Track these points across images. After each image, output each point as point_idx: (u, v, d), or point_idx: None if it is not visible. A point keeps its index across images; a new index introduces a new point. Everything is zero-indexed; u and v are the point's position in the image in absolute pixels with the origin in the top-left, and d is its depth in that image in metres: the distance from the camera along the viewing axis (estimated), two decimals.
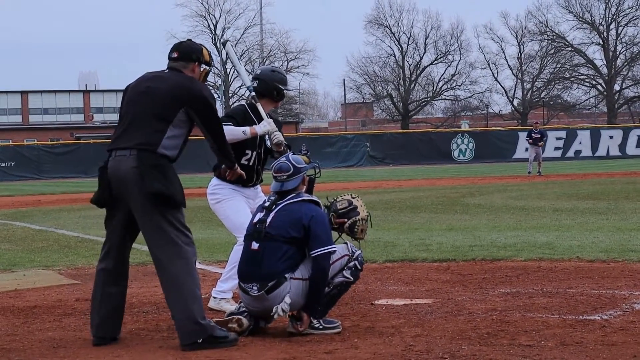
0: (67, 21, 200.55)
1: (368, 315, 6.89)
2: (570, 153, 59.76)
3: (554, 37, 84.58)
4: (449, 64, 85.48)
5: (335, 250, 6.28)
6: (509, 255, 10.22)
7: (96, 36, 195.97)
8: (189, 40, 6.45)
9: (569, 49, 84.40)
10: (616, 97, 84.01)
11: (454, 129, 76.03)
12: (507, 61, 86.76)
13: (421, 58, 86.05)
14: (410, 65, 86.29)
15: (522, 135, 58.92)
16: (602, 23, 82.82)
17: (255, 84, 7.39)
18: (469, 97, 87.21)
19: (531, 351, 5.50)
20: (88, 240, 13.66)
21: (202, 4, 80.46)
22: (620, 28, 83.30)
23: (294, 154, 6.83)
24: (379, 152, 60.27)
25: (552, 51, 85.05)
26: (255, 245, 6.27)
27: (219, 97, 71.59)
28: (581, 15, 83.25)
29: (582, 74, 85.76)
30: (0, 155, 54.63)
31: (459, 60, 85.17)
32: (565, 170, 38.86)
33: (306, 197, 6.40)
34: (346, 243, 6.52)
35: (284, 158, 6.51)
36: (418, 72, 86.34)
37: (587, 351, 5.48)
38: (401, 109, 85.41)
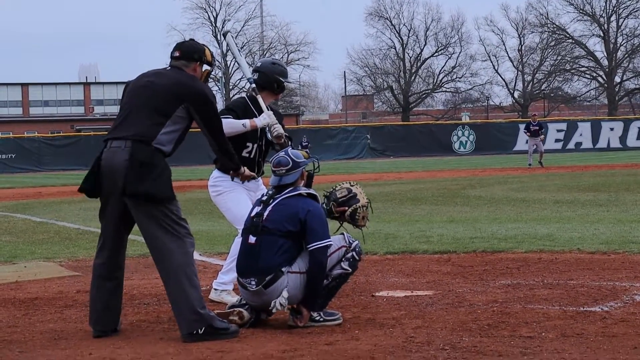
0: (68, 13, 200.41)
1: (369, 307, 6.89)
2: (571, 145, 59.78)
3: (555, 29, 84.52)
4: (449, 56, 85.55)
5: (331, 244, 6.28)
6: (510, 247, 10.22)
7: (96, 28, 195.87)
8: (192, 40, 6.47)
9: (570, 41, 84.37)
10: (617, 89, 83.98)
11: (454, 121, 76.05)
12: (507, 53, 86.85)
13: (422, 50, 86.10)
14: (410, 58, 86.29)
15: (523, 128, 59.00)
16: (603, 15, 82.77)
17: (255, 77, 7.38)
18: (470, 89, 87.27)
19: (532, 342, 5.51)
20: (89, 232, 13.66)
21: None
22: (621, 20, 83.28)
23: (293, 148, 6.85)
24: (380, 144, 60.27)
25: (553, 43, 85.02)
26: (252, 239, 6.27)
27: (219, 90, 71.56)
28: (582, 7, 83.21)
29: (583, 66, 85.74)
30: (1, 148, 54.66)
31: (460, 53, 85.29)
32: (566, 162, 38.87)
33: (303, 190, 6.40)
34: (343, 234, 6.51)
35: (283, 152, 6.51)
36: (418, 64, 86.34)
37: (587, 342, 5.49)
38: (402, 101, 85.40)
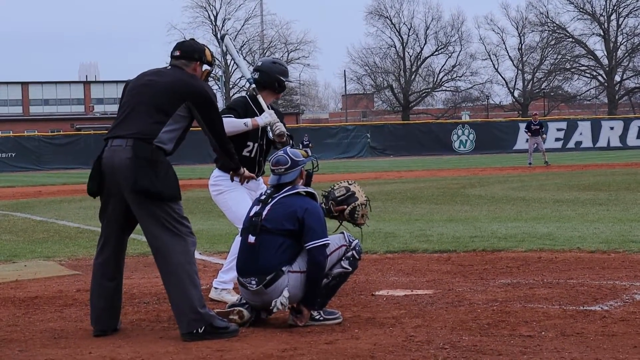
0: (68, 12, 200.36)
1: (369, 306, 6.89)
2: (571, 144, 59.79)
3: (555, 28, 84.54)
4: (449, 55, 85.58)
5: (329, 243, 6.27)
6: (510, 246, 10.22)
7: (97, 27, 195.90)
8: (192, 39, 6.47)
9: (570, 39, 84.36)
10: (617, 88, 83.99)
11: (454, 120, 76.09)
12: (507, 52, 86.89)
13: (422, 49, 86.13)
14: (410, 56, 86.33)
15: (523, 126, 58.83)
16: (603, 14, 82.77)
17: (256, 76, 7.37)
18: (470, 88, 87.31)
19: (532, 342, 5.51)
20: (89, 231, 13.66)
21: None
22: (621, 19, 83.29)
23: (292, 146, 6.86)
24: (380, 143, 60.30)
25: (553, 42, 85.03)
26: (251, 239, 6.27)
27: (219, 89, 71.55)
28: (582, 6, 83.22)
29: (583, 65, 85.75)
30: (1, 146, 54.70)
31: (460, 51, 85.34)
32: (566, 161, 38.86)
33: (302, 189, 6.40)
34: (342, 233, 6.51)
35: (282, 151, 6.51)
36: (419, 63, 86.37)
37: (587, 342, 5.49)
38: (402, 100, 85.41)
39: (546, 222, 12.82)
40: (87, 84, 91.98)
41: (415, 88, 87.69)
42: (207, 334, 5.82)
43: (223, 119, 6.42)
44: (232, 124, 6.97)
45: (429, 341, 5.58)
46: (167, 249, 5.91)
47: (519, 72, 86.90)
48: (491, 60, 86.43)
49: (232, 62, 77.15)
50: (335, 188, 6.85)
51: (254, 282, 6.18)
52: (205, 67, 6.28)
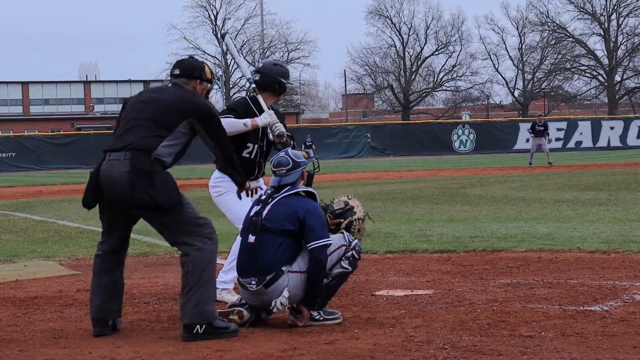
0: (68, 12, 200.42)
1: (369, 306, 6.90)
2: (571, 144, 59.78)
3: (555, 27, 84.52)
4: (449, 54, 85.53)
5: (331, 243, 6.28)
6: (510, 246, 10.22)
7: (97, 27, 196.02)
8: (191, 57, 6.53)
9: (570, 39, 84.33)
10: (617, 88, 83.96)
11: (454, 119, 76.06)
12: (507, 52, 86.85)
13: (422, 49, 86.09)
14: (411, 56, 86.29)
15: (523, 126, 58.93)
16: (603, 14, 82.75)
17: (256, 77, 7.38)
18: (470, 87, 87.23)
19: (531, 342, 5.51)
20: (89, 231, 13.66)
21: None
22: (621, 19, 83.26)
23: (293, 147, 6.87)
24: (380, 143, 60.29)
25: (553, 42, 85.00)
26: (251, 239, 6.28)
27: (219, 88, 71.53)
28: (582, 6, 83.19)
29: (583, 65, 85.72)
30: (1, 146, 54.69)
31: (460, 51, 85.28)
32: (566, 161, 38.86)
33: (302, 189, 6.41)
34: (342, 232, 6.52)
35: (283, 152, 6.52)
36: (419, 62, 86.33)
37: (587, 342, 5.49)
38: (402, 100, 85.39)
39: (546, 222, 12.82)
40: (87, 83, 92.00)
41: (415, 88, 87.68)
42: (207, 334, 5.83)
43: (222, 119, 6.44)
44: (232, 124, 6.97)
45: (429, 341, 5.58)
46: (186, 248, 5.94)
47: (519, 71, 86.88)
48: (491, 60, 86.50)
49: (232, 61, 77.18)
50: (334, 201, 6.86)
51: (253, 282, 6.18)
52: (205, 84, 6.32)
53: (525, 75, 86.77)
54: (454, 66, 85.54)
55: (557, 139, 58.82)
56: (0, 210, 19.13)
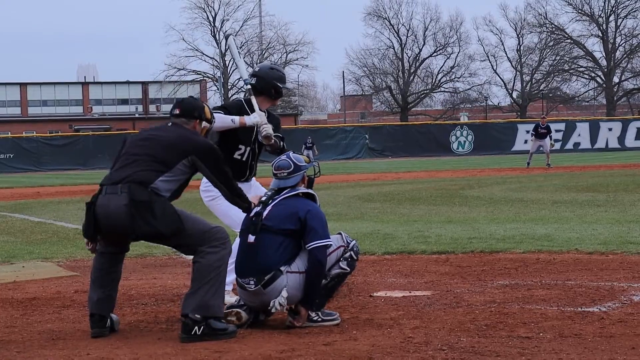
0: (66, 13, 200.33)
1: (367, 307, 6.90)
2: (569, 145, 59.85)
3: (553, 29, 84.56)
4: (448, 56, 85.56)
5: (331, 244, 6.29)
6: (508, 248, 10.22)
7: (95, 28, 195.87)
8: (191, 97, 6.59)
9: (568, 41, 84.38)
10: (615, 90, 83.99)
11: (453, 121, 76.10)
12: (506, 53, 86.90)
13: (420, 50, 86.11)
14: (409, 58, 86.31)
15: (521, 128, 59.05)
16: (602, 15, 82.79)
17: (253, 81, 7.38)
18: (468, 89, 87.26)
19: (530, 343, 5.51)
20: None
21: None
22: (620, 20, 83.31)
23: (284, 148, 6.91)
24: (378, 145, 60.32)
25: (551, 43, 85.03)
26: (251, 239, 6.29)
27: (217, 90, 71.54)
28: (580, 7, 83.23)
29: (581, 66, 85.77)
30: None
31: (458, 53, 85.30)
32: (564, 163, 38.86)
33: (302, 191, 6.42)
34: (340, 233, 6.52)
35: (285, 156, 6.54)
36: (417, 64, 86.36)
37: (585, 343, 5.49)
38: (400, 101, 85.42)
39: (544, 223, 12.83)
40: (85, 84, 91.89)
41: (413, 89, 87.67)
42: (205, 335, 5.84)
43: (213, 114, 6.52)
44: (221, 118, 7.00)
45: (427, 342, 5.58)
46: (196, 258, 6.02)
47: (518, 73, 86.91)
48: (490, 62, 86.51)
49: (230, 63, 77.25)
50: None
51: (252, 282, 6.19)
52: (205, 124, 6.37)
53: (524, 76, 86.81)
54: (452, 67, 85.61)
55: (556, 140, 58.87)
56: None
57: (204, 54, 79.82)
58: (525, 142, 39.06)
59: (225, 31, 77.63)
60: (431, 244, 10.73)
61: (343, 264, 6.38)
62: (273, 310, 6.16)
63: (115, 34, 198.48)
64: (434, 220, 13.97)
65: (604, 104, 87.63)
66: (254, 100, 7.27)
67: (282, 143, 7.26)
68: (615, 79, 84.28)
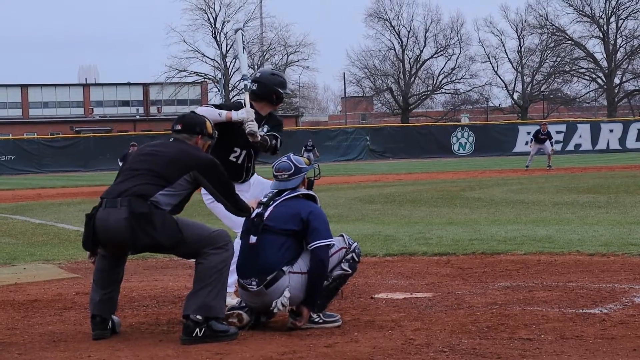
0: (67, 15, 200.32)
1: (368, 309, 6.90)
2: (570, 146, 59.83)
3: (554, 30, 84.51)
4: (449, 57, 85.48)
5: (334, 244, 6.30)
6: (509, 249, 10.22)
7: (96, 30, 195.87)
8: (193, 112, 6.61)
9: (569, 42, 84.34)
10: (616, 91, 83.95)
11: (454, 122, 76.12)
12: (507, 55, 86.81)
13: (421, 51, 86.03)
14: (410, 59, 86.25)
15: (522, 129, 59.04)
16: (602, 16, 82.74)
17: (254, 87, 7.38)
18: (469, 90, 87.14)
19: (531, 345, 5.51)
20: None
21: None
22: (621, 21, 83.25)
23: (277, 147, 6.92)
24: (379, 146, 60.32)
25: (552, 44, 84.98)
26: (253, 239, 6.30)
27: (218, 91, 71.56)
28: (581, 9, 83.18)
29: (582, 68, 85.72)
30: (0, 149, 54.66)
31: (459, 54, 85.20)
32: (565, 164, 38.85)
33: (302, 192, 6.43)
34: (342, 235, 6.53)
35: (285, 158, 6.55)
36: (418, 65, 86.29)
37: (586, 345, 5.49)
38: (401, 103, 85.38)
39: (545, 224, 12.83)
40: (86, 86, 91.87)
41: (414, 91, 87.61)
42: (207, 337, 5.84)
43: (203, 106, 6.52)
44: (209, 112, 6.99)
45: (428, 344, 5.58)
46: (202, 255, 6.02)
47: (519, 74, 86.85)
48: (490, 63, 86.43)
49: (232, 65, 77.31)
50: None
51: (254, 283, 6.19)
52: (207, 139, 6.38)
53: (525, 78, 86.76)
54: (453, 69, 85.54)
55: (556, 142, 58.88)
56: (0, 213, 19.13)
57: (205, 55, 79.83)
58: (526, 143, 38.99)
59: (222, 29, 77.63)
60: (432, 246, 10.72)
61: (345, 265, 6.38)
62: (275, 310, 6.16)
63: (116, 36, 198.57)
64: (435, 221, 13.97)
65: (605, 105, 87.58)
66: (247, 98, 7.27)
67: (274, 142, 7.26)
68: (616, 80, 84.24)
